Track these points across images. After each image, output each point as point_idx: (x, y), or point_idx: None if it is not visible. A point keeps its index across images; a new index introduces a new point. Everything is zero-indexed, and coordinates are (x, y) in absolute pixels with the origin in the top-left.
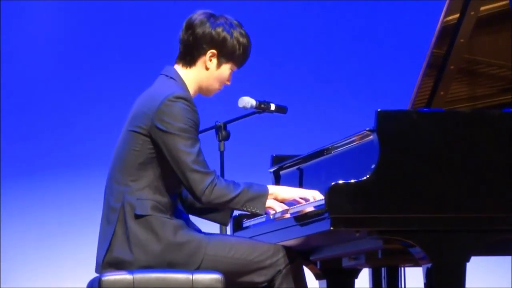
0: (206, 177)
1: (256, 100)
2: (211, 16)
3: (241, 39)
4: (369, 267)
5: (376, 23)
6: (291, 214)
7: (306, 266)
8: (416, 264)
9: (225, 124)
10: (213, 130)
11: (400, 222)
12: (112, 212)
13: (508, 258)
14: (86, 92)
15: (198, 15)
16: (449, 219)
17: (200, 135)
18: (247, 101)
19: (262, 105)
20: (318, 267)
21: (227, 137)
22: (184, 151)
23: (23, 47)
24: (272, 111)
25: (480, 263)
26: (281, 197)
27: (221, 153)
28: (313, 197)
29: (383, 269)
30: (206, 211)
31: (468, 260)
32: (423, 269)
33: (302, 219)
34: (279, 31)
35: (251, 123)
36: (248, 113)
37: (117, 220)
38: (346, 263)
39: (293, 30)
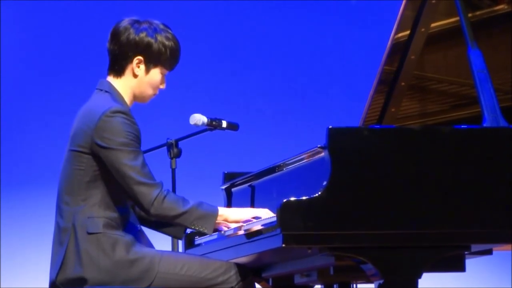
0: (153, 189)
1: (207, 117)
2: (135, 22)
3: (166, 42)
4: (321, 284)
5: (327, 40)
6: (243, 231)
7: (258, 283)
8: (368, 280)
9: (176, 141)
10: (165, 148)
11: (351, 239)
12: (64, 233)
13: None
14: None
15: (122, 23)
16: (401, 236)
17: (151, 152)
18: (198, 118)
19: (214, 122)
20: (270, 284)
21: (178, 154)
22: (128, 165)
23: None
24: (224, 128)
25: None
26: (232, 219)
27: (173, 170)
28: (267, 213)
29: (335, 286)
30: (160, 224)
31: (420, 276)
32: (375, 286)
33: (254, 236)
34: (229, 49)
35: (202, 140)
36: (199, 130)
37: (68, 240)
38: (298, 280)
39: (243, 47)
